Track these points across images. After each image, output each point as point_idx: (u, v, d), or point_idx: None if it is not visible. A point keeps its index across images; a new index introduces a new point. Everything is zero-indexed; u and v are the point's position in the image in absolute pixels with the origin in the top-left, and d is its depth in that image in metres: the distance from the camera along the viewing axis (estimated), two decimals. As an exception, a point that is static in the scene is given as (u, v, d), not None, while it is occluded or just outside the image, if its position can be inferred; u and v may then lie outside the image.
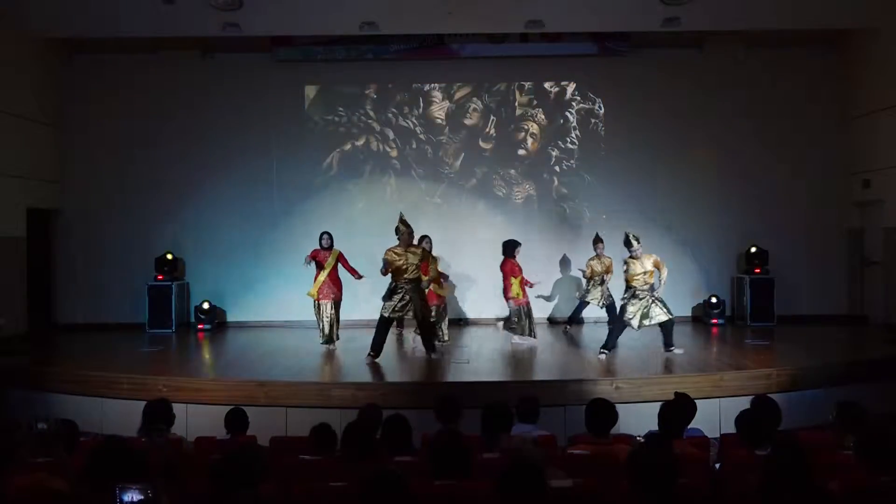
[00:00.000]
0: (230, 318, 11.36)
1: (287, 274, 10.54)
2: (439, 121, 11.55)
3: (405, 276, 7.99)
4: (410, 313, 8.11)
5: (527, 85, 11.58)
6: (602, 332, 8.66)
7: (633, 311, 7.93)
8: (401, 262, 7.95)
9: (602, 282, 9.85)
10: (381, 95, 11.58)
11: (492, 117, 11.55)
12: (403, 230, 8.03)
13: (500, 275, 9.13)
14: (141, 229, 11.17)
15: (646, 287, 7.94)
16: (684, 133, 11.25)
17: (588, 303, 10.04)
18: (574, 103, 11.56)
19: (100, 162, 11.28)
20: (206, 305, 10.99)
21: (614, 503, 3.41)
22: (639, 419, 5.83)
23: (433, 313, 8.88)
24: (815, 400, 6.99)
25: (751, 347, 8.89)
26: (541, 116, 11.55)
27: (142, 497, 2.78)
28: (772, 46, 11.11)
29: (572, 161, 11.52)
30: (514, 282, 8.99)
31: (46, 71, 10.91)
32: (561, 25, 10.58)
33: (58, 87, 11.15)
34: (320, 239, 8.87)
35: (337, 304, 8.88)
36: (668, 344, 8.10)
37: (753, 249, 10.89)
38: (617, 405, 4.44)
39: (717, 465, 4.22)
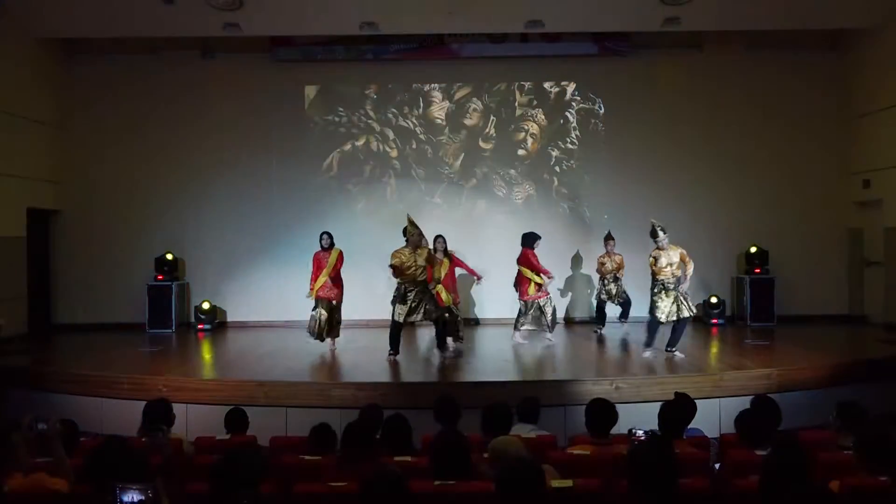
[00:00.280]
0: (230, 318, 11.36)
1: (287, 274, 10.54)
2: (439, 121, 11.56)
3: (415, 277, 7.94)
4: (420, 315, 8.05)
5: (527, 85, 11.58)
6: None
7: (664, 306, 7.88)
8: (409, 263, 7.91)
9: (615, 279, 9.83)
10: (381, 95, 11.58)
11: (492, 117, 11.56)
12: (412, 231, 7.99)
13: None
14: (141, 229, 11.18)
15: (673, 280, 7.89)
16: (684, 133, 11.25)
17: (606, 301, 10.00)
18: (574, 103, 11.56)
19: (100, 162, 11.28)
20: (206, 305, 11.00)
21: (614, 503, 3.41)
22: (639, 419, 5.82)
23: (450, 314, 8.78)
24: (815, 400, 6.99)
25: (751, 347, 8.90)
26: (541, 116, 11.55)
27: (142, 497, 2.78)
28: (772, 47, 11.11)
29: (572, 161, 11.52)
30: (531, 275, 8.90)
31: (46, 71, 10.90)
32: (561, 25, 10.58)
33: (58, 87, 11.15)
34: (320, 239, 8.84)
35: (337, 304, 8.85)
36: (672, 343, 8.02)
37: (753, 249, 10.89)
38: (617, 405, 4.44)
39: (717, 465, 4.22)
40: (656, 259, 7.93)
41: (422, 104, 11.58)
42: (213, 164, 11.29)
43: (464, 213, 11.42)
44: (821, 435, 4.62)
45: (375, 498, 2.86)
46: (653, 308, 8.03)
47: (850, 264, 11.19)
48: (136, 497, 2.78)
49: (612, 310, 10.22)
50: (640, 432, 3.90)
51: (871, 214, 10.68)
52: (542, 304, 9.03)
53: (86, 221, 11.27)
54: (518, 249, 10.27)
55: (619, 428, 4.43)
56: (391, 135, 11.54)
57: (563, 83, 11.56)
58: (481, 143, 11.56)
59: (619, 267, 9.84)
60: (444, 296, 8.62)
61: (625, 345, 9.24)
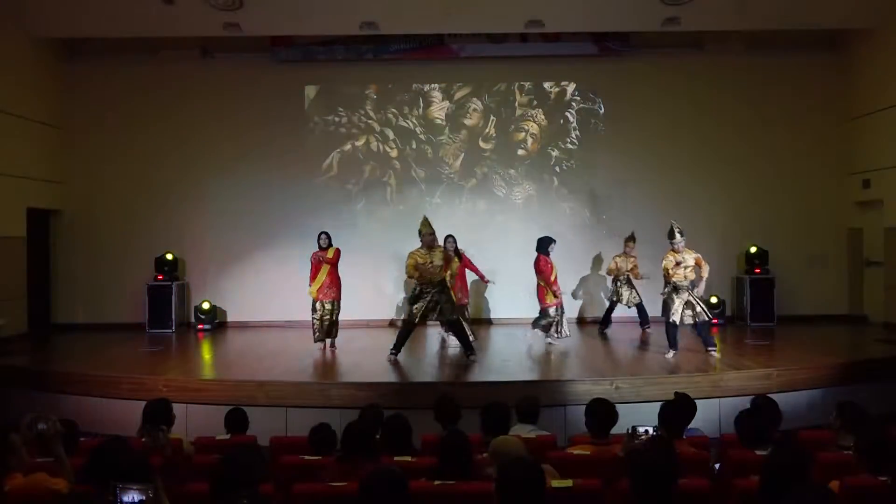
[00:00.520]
0: (230, 318, 11.36)
1: (287, 274, 10.53)
2: (439, 121, 11.56)
3: (430, 277, 7.91)
4: (436, 315, 8.01)
5: (527, 85, 11.58)
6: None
7: (674, 308, 7.90)
8: (425, 264, 7.90)
9: (628, 281, 9.79)
10: (381, 95, 11.58)
11: (492, 117, 11.56)
12: (426, 232, 7.95)
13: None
14: (141, 229, 11.18)
15: (685, 283, 7.91)
16: (684, 133, 11.25)
17: (617, 303, 9.96)
18: (574, 103, 11.56)
19: (100, 162, 11.28)
20: (206, 305, 11.00)
21: (614, 503, 3.41)
22: (639, 419, 5.82)
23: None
24: (815, 400, 7.01)
25: (751, 347, 8.90)
26: (541, 116, 11.55)
27: (142, 497, 2.78)
28: (772, 47, 11.11)
29: (572, 161, 11.52)
30: (546, 284, 8.86)
31: (47, 71, 10.90)
32: (561, 25, 10.58)
33: (58, 87, 11.15)
34: (318, 239, 8.84)
35: (335, 304, 8.86)
36: (707, 343, 8.05)
37: (753, 249, 10.89)
38: (617, 405, 4.44)
39: (717, 465, 4.22)
40: (666, 259, 7.96)
41: (422, 104, 11.58)
42: (213, 164, 11.29)
43: (464, 213, 11.42)
44: (821, 435, 4.62)
45: (375, 498, 2.86)
46: (665, 310, 8.05)
47: (851, 264, 11.19)
48: (136, 497, 2.78)
49: (622, 311, 10.17)
50: (642, 430, 3.86)
51: (871, 214, 10.68)
52: (556, 309, 8.93)
53: (86, 221, 11.27)
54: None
55: (620, 428, 4.43)
56: (391, 135, 11.54)
57: (563, 83, 11.56)
58: (481, 143, 11.56)
59: (633, 269, 9.77)
60: (452, 296, 8.61)
61: (625, 345, 9.24)
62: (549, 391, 6.65)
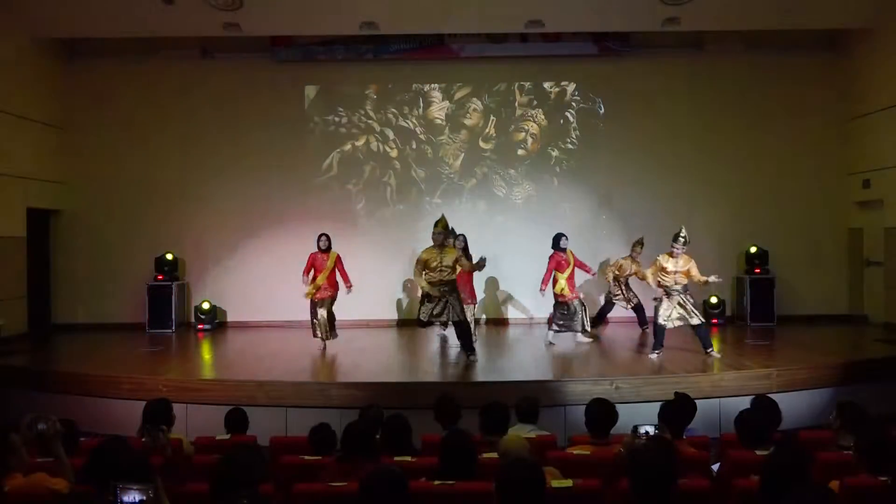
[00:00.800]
0: (230, 318, 11.36)
1: (287, 274, 10.52)
2: (439, 121, 11.56)
3: (440, 277, 7.86)
4: (446, 315, 7.95)
5: (527, 85, 11.58)
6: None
7: (663, 309, 7.95)
8: (435, 263, 7.85)
9: (627, 283, 9.78)
10: (381, 95, 11.58)
11: (492, 117, 11.55)
12: (435, 231, 7.92)
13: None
14: (141, 229, 11.18)
15: (677, 287, 7.94)
16: (684, 133, 11.25)
17: (614, 304, 9.93)
18: (574, 103, 11.56)
19: (100, 162, 11.28)
20: (206, 305, 11.00)
21: (614, 503, 3.41)
22: (639, 419, 5.82)
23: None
24: (815, 400, 7.01)
25: (751, 347, 8.90)
26: (541, 116, 11.55)
27: (142, 497, 2.78)
28: (771, 47, 11.11)
29: (572, 161, 11.52)
30: (561, 277, 8.84)
31: (47, 71, 10.90)
32: (561, 25, 10.59)
33: (58, 87, 11.14)
34: (318, 241, 8.83)
35: (332, 302, 8.85)
36: (706, 345, 8.03)
37: (753, 249, 10.89)
38: (617, 405, 4.44)
39: (717, 465, 4.21)
40: (659, 259, 7.99)
41: (422, 104, 11.58)
42: (213, 164, 11.29)
43: (464, 213, 11.41)
44: (821, 435, 4.62)
45: (375, 498, 2.86)
46: (655, 311, 8.12)
47: (851, 264, 11.19)
48: (137, 497, 2.78)
49: (619, 312, 10.17)
50: (643, 430, 3.84)
51: (871, 214, 10.67)
52: (574, 304, 8.94)
53: (86, 221, 11.27)
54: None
55: (619, 428, 4.43)
56: (391, 135, 11.53)
57: (563, 83, 11.56)
58: (481, 143, 11.55)
59: (636, 272, 9.71)
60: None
61: (624, 345, 9.24)
62: (549, 391, 6.65)
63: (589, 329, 9.07)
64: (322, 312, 8.72)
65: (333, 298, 8.83)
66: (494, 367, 7.95)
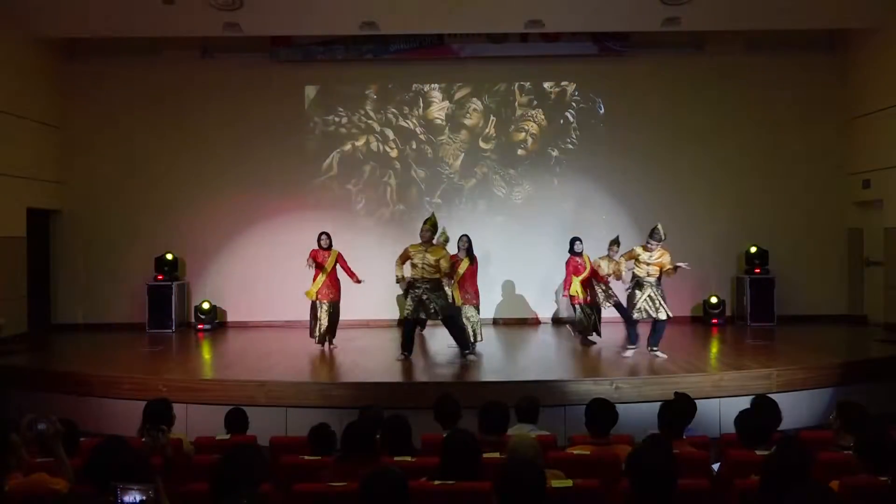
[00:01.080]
0: (230, 318, 11.36)
1: (287, 274, 10.53)
2: (439, 121, 11.55)
3: (421, 274, 7.87)
4: (424, 314, 7.97)
5: (527, 85, 11.58)
6: (621, 332, 8.68)
7: (636, 301, 7.92)
8: (415, 259, 7.88)
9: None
10: (381, 95, 11.58)
11: (492, 117, 11.55)
12: (423, 228, 7.98)
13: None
14: (141, 229, 11.18)
15: (650, 279, 7.91)
16: (684, 133, 11.25)
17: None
18: (574, 103, 11.56)
19: (100, 162, 11.28)
20: (206, 305, 11.00)
21: (614, 503, 3.41)
22: (639, 419, 5.83)
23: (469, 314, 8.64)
24: (815, 400, 7.01)
25: (751, 347, 8.90)
26: (541, 116, 11.55)
27: (142, 497, 2.78)
28: (772, 47, 11.11)
29: (572, 161, 11.52)
30: (575, 280, 8.82)
31: (47, 71, 10.91)
32: (561, 25, 10.59)
33: (58, 87, 11.15)
34: (319, 239, 8.84)
35: (335, 305, 8.85)
36: (653, 342, 8.02)
37: (753, 249, 10.89)
38: (617, 405, 4.44)
39: (717, 465, 4.21)
40: (634, 250, 7.99)
41: (422, 104, 11.58)
42: (213, 164, 11.29)
43: (464, 213, 11.42)
44: (821, 435, 4.62)
45: (375, 498, 2.86)
46: (628, 303, 8.11)
47: (851, 264, 11.18)
48: (137, 497, 2.77)
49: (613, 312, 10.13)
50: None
51: (871, 214, 10.68)
52: (586, 308, 8.94)
53: (86, 221, 11.27)
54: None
55: (620, 428, 4.43)
56: (391, 135, 11.53)
57: (563, 83, 11.56)
58: (481, 143, 11.55)
59: (615, 272, 9.69)
60: (455, 295, 8.56)
61: (625, 345, 9.22)
62: (549, 391, 6.65)
63: (600, 333, 9.02)
64: (323, 315, 8.71)
65: (336, 301, 8.81)
66: (494, 368, 7.95)
